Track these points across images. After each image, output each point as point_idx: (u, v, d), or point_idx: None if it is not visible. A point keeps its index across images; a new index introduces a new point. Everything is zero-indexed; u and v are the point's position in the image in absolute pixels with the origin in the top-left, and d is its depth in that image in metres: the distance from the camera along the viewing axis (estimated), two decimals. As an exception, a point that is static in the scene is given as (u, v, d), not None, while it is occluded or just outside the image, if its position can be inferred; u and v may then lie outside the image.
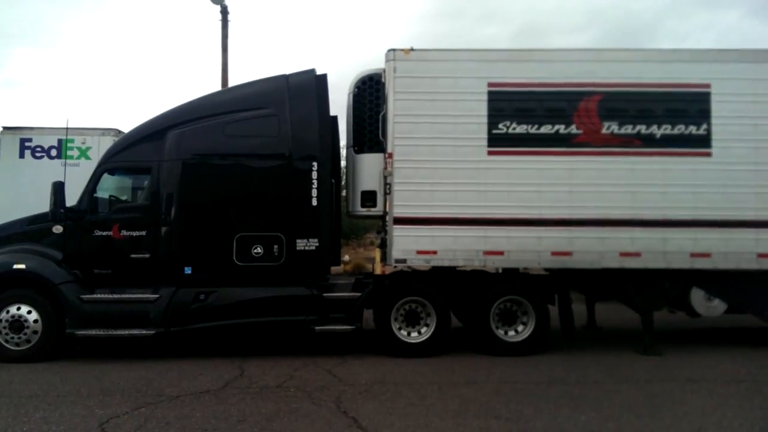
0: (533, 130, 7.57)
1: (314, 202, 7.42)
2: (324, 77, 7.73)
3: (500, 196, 7.53)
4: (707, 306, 7.80)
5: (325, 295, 7.42)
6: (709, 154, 7.59)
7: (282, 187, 7.40)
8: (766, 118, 7.61)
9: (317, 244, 7.40)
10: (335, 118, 8.31)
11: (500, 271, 7.89)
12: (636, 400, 5.57)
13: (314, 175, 7.43)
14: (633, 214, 7.52)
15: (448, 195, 7.52)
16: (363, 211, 7.93)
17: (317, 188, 7.43)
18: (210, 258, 7.40)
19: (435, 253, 7.50)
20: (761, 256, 7.49)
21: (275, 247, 7.33)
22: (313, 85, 7.59)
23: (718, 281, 7.71)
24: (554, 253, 7.53)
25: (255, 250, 7.32)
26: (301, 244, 7.38)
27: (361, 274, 8.56)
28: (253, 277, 7.37)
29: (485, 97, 7.58)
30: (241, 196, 7.40)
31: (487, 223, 7.51)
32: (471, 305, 7.74)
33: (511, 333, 7.68)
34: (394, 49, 7.55)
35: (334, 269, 8.85)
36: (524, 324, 7.68)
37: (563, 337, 7.94)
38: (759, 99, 7.64)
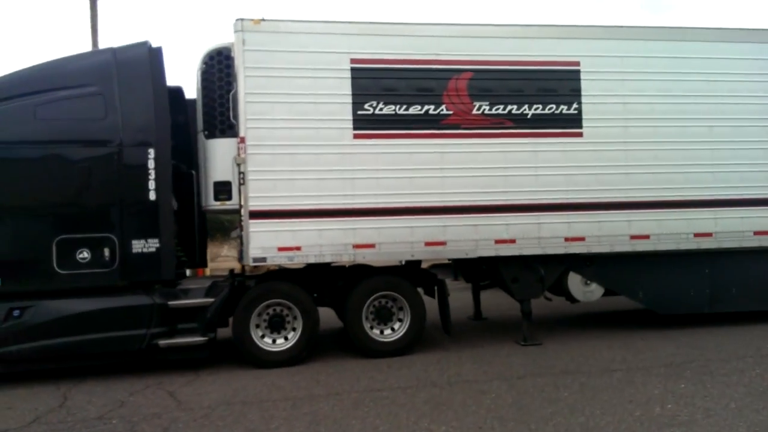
0: (402, 110, 6.96)
1: (152, 196, 6.37)
2: (159, 50, 6.65)
3: (368, 183, 6.88)
4: (584, 291, 7.60)
5: (170, 303, 6.40)
6: (580, 134, 7.36)
7: (111, 179, 6.28)
8: (635, 96, 7.51)
9: (158, 245, 6.37)
10: (181, 97, 7.31)
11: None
12: (504, 401, 5.11)
13: (150, 164, 6.38)
14: (507, 200, 7.14)
15: (310, 184, 6.74)
16: (216, 205, 6.96)
17: (155, 179, 6.39)
18: (23, 266, 6.16)
19: (299, 249, 6.71)
20: (634, 237, 7.39)
21: (105, 250, 6.21)
22: (147, 60, 6.50)
23: (593, 265, 7.55)
24: (428, 244, 6.99)
25: (80, 255, 6.16)
26: (137, 245, 6.31)
27: (220, 277, 7.61)
28: (79, 287, 6.21)
29: (348, 74, 6.87)
30: (60, 192, 6.20)
31: (355, 214, 6.83)
32: (342, 304, 7.07)
33: (388, 332, 7.07)
34: (242, 19, 6.62)
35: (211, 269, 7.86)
36: (401, 321, 7.11)
37: (443, 331, 7.49)
38: (627, 77, 7.52)
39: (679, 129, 7.55)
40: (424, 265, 7.89)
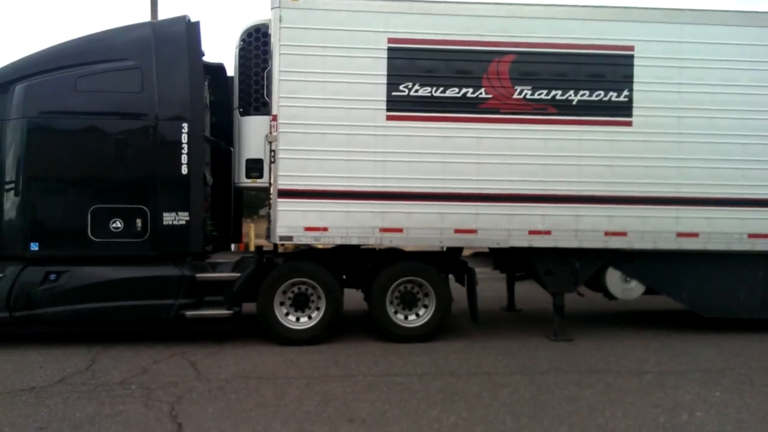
0: (438, 93, 6.74)
1: (184, 170, 6.45)
2: (197, 25, 6.67)
3: (400, 167, 6.73)
4: (623, 288, 7.21)
5: (197, 276, 6.52)
6: (629, 123, 6.93)
7: (145, 152, 6.40)
8: (693, 84, 6.99)
9: (188, 219, 6.47)
10: (223, 74, 7.37)
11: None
12: (522, 396, 4.92)
13: (184, 138, 6.45)
14: (545, 189, 6.83)
15: (340, 165, 6.66)
16: (248, 182, 7.02)
17: (188, 154, 6.46)
18: (60, 232, 6.40)
19: (325, 229, 6.67)
20: (681, 235, 6.93)
21: (138, 221, 6.36)
22: (184, 35, 6.55)
23: (633, 261, 7.15)
24: (458, 231, 6.80)
25: (114, 225, 6.34)
26: (168, 218, 6.43)
27: (250, 253, 7.68)
28: (112, 255, 6.41)
29: (384, 54, 6.70)
30: (97, 162, 6.38)
31: (385, 197, 6.71)
32: (367, 287, 7.01)
33: (412, 317, 6.96)
34: (279, -5, 6.58)
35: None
36: (426, 307, 6.98)
37: (471, 319, 7.32)
38: (685, 64, 7.00)
39: (740, 121, 6.98)
40: (466, 253, 7.71)
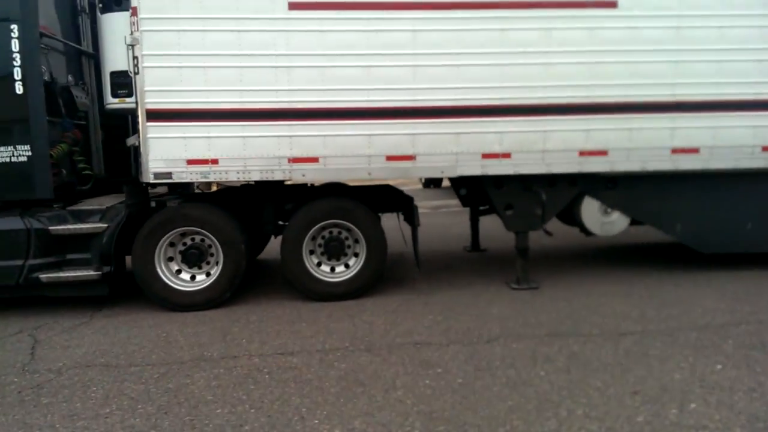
0: (356, -30, 5.03)
1: (18, 89, 4.84)
2: None
3: (310, 74, 5.10)
4: (603, 222, 5.79)
5: (51, 228, 5.05)
6: (614, 5, 5.25)
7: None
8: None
9: (29, 154, 4.93)
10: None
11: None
12: (449, 382, 3.55)
13: (14, 45, 4.80)
14: (502, 98, 5.24)
15: (229, 74, 5.03)
16: (115, 102, 5.42)
17: (22, 66, 4.83)
18: None
19: (215, 162, 5.13)
20: (677, 151, 5.42)
21: (-42, 159, 4.83)
22: None
23: (616, 188, 5.68)
24: (391, 158, 5.27)
25: (-73, 166, 4.81)
26: (3, 154, 4.89)
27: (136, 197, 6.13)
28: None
29: None
30: None
31: (293, 116, 5.13)
32: (280, 235, 5.58)
33: (341, 269, 5.58)
34: None
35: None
36: (356, 256, 5.58)
37: (416, 265, 5.97)
38: None
39: (759, -2, 5.32)
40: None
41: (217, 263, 5.36)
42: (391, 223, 6.53)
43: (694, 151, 5.40)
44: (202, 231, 5.26)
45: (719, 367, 3.66)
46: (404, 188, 6.72)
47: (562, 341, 4.21)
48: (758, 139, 5.42)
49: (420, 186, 16.51)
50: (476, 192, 6.02)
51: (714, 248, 5.88)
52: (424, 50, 5.14)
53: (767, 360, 3.75)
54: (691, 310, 4.84)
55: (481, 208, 6.83)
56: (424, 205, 12.90)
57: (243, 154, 5.13)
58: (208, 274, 5.39)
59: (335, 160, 5.21)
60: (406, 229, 6.10)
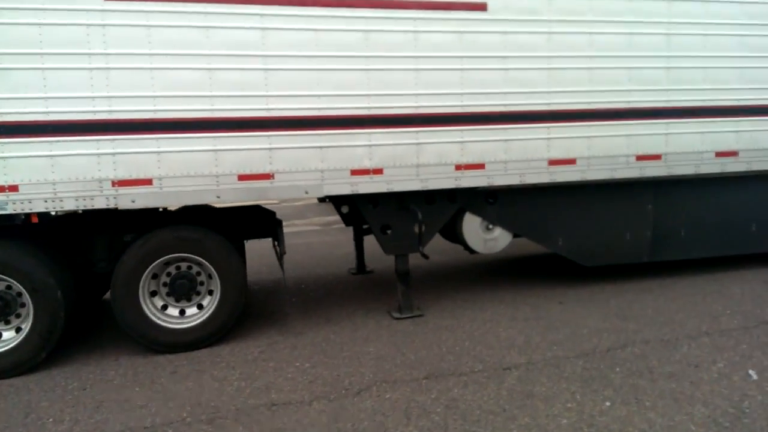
0: (188, -47, 4.21)
1: None
2: None
3: (135, 78, 4.19)
4: (485, 239, 5.41)
5: None
6: (483, 7, 4.88)
7: None
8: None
9: None
10: None
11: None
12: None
13: None
14: (369, 108, 4.65)
15: (30, 78, 4.00)
16: None
17: None
18: None
19: (14, 189, 4.05)
20: (554, 162, 5.16)
21: None
22: None
23: (495, 203, 5.32)
24: (244, 177, 4.47)
25: None
26: None
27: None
28: None
29: None
30: None
31: (114, 129, 4.18)
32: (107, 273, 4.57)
33: (192, 311, 4.68)
34: None
35: None
36: (211, 294, 4.71)
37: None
38: None
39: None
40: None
41: (27, 316, 4.25)
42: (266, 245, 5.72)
43: (571, 162, 5.16)
44: (3, 277, 4.14)
45: (608, 404, 3.27)
46: (296, 204, 5.93)
47: (441, 385, 3.65)
48: (633, 148, 5.30)
49: (315, 200, 15.72)
50: (359, 209, 5.41)
51: (596, 260, 5.71)
52: (277, 51, 4.43)
53: (654, 390, 3.44)
54: (576, 332, 4.53)
55: (365, 226, 6.24)
56: (316, 221, 12.16)
57: (51, 178, 4.09)
58: (18, 330, 4.26)
59: (174, 182, 4.33)
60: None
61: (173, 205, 4.46)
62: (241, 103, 4.39)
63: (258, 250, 7.65)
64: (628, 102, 5.23)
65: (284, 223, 10.98)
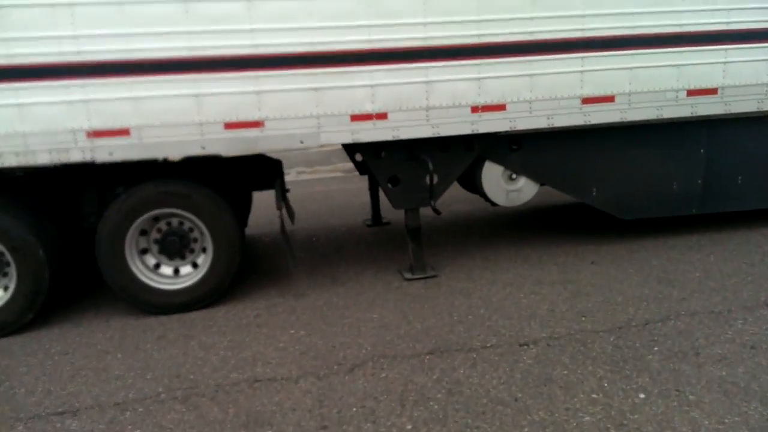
0: None
1: None
2: None
3: (101, 14, 3.70)
4: (508, 190, 4.81)
5: None
6: None
7: None
8: None
9: None
10: None
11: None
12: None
13: None
14: (370, 41, 4.03)
15: (-19, 17, 3.58)
16: None
17: None
18: None
19: (-23, 142, 3.73)
20: (588, 101, 4.45)
21: None
22: None
23: (520, 150, 4.68)
24: (230, 126, 4.00)
25: None
26: None
27: None
28: None
29: None
30: None
31: (86, 73, 3.74)
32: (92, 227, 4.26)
33: (186, 270, 4.36)
34: None
35: None
36: (205, 252, 4.36)
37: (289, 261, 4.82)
38: None
39: None
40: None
41: (12, 276, 4.02)
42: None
43: (609, 99, 4.44)
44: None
45: (642, 397, 2.77)
46: (324, 149, 5.43)
47: (446, 362, 3.22)
48: (683, 81, 4.52)
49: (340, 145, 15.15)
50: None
51: (635, 213, 5.04)
52: (264, -22, 3.84)
53: (700, 378, 2.91)
54: (609, 300, 3.98)
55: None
56: (341, 168, 11.69)
57: (21, 129, 3.73)
58: (5, 289, 4.05)
59: (154, 132, 3.89)
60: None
61: (156, 157, 4.04)
62: (224, 38, 3.85)
63: (270, 199, 7.28)
64: (680, 26, 4.41)
65: (307, 170, 10.59)
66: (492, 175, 4.73)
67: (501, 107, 4.27)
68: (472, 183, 5.01)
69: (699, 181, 4.97)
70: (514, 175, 4.76)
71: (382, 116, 4.16)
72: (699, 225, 5.47)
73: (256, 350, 3.56)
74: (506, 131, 4.38)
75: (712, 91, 4.54)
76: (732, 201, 5.12)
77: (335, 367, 3.28)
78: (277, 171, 4.82)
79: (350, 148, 4.89)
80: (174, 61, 3.81)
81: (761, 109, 4.67)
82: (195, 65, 3.85)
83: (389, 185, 4.53)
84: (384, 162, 4.48)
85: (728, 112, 4.62)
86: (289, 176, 10.08)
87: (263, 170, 4.81)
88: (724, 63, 4.50)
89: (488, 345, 3.43)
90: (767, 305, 3.76)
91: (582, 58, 4.28)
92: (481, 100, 4.23)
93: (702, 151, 4.89)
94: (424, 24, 4.05)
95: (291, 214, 5.04)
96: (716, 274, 4.33)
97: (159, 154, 3.97)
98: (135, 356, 3.59)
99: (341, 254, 5.47)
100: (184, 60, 3.82)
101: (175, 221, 4.29)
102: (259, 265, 5.25)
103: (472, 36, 4.13)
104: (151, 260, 4.30)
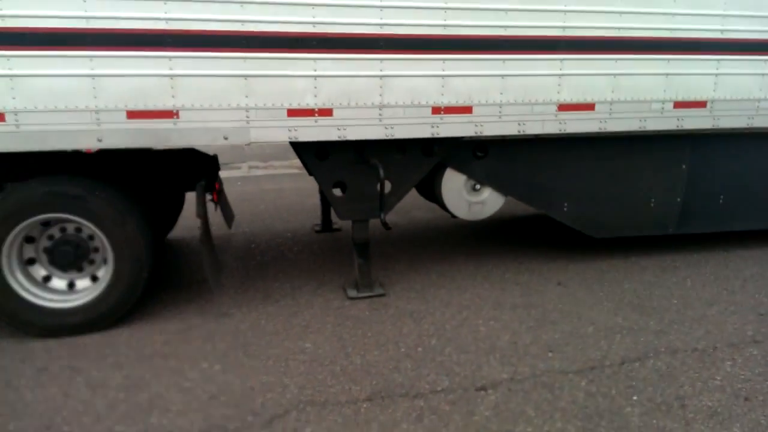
0: None
1: None
2: None
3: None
4: (470, 201, 4.26)
5: None
6: None
7: None
8: None
9: None
10: None
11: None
12: None
13: None
14: (313, 23, 3.37)
15: None
16: None
17: None
18: None
19: None
20: (564, 108, 3.90)
21: None
22: None
23: (485, 158, 4.12)
24: (135, 114, 3.27)
25: None
26: None
27: None
28: None
29: None
30: None
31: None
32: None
33: (83, 284, 3.63)
34: None
35: None
36: (106, 263, 3.65)
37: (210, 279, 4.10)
38: None
39: None
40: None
41: None
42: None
43: (588, 107, 3.91)
44: None
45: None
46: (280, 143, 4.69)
47: (386, 413, 2.63)
48: (670, 91, 4.02)
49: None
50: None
51: (607, 231, 4.56)
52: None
53: (687, 449, 2.42)
54: (578, 330, 3.47)
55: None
56: (297, 164, 10.94)
57: None
58: None
59: (36, 118, 3.15)
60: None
61: (37, 149, 3.28)
62: (129, 10, 3.13)
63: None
64: (671, 30, 3.90)
65: (261, 165, 9.77)
66: (453, 185, 4.15)
67: (467, 109, 3.68)
68: (431, 192, 4.43)
69: (678, 199, 4.52)
70: (478, 186, 4.19)
71: (326, 112, 3.51)
72: (672, 244, 5.05)
73: (155, 392, 2.90)
74: (471, 136, 3.80)
75: (701, 104, 4.07)
76: (712, 222, 4.70)
77: (249, 418, 2.65)
78: (210, 168, 4.13)
79: (297, 145, 4.23)
80: (65, 33, 3.07)
81: (751, 126, 4.23)
82: (92, 39, 3.11)
83: (334, 192, 3.90)
84: (328, 165, 3.84)
85: (716, 127, 4.16)
86: (240, 171, 9.31)
87: (193, 167, 4.11)
88: (716, 75, 4.03)
89: (439, 389, 2.87)
90: (755, 342, 3.33)
91: (561, 60, 3.73)
92: (445, 100, 3.63)
93: (684, 166, 4.43)
94: (381, 8, 3.41)
95: (229, 217, 4.37)
96: (695, 302, 3.90)
97: (41, 146, 3.21)
98: (2, 396, 2.88)
99: (280, 265, 4.81)
100: (78, 31, 3.08)
101: (70, 227, 3.56)
102: (181, 276, 4.55)
103: (437, 26, 3.52)
104: (40, 272, 3.56)
